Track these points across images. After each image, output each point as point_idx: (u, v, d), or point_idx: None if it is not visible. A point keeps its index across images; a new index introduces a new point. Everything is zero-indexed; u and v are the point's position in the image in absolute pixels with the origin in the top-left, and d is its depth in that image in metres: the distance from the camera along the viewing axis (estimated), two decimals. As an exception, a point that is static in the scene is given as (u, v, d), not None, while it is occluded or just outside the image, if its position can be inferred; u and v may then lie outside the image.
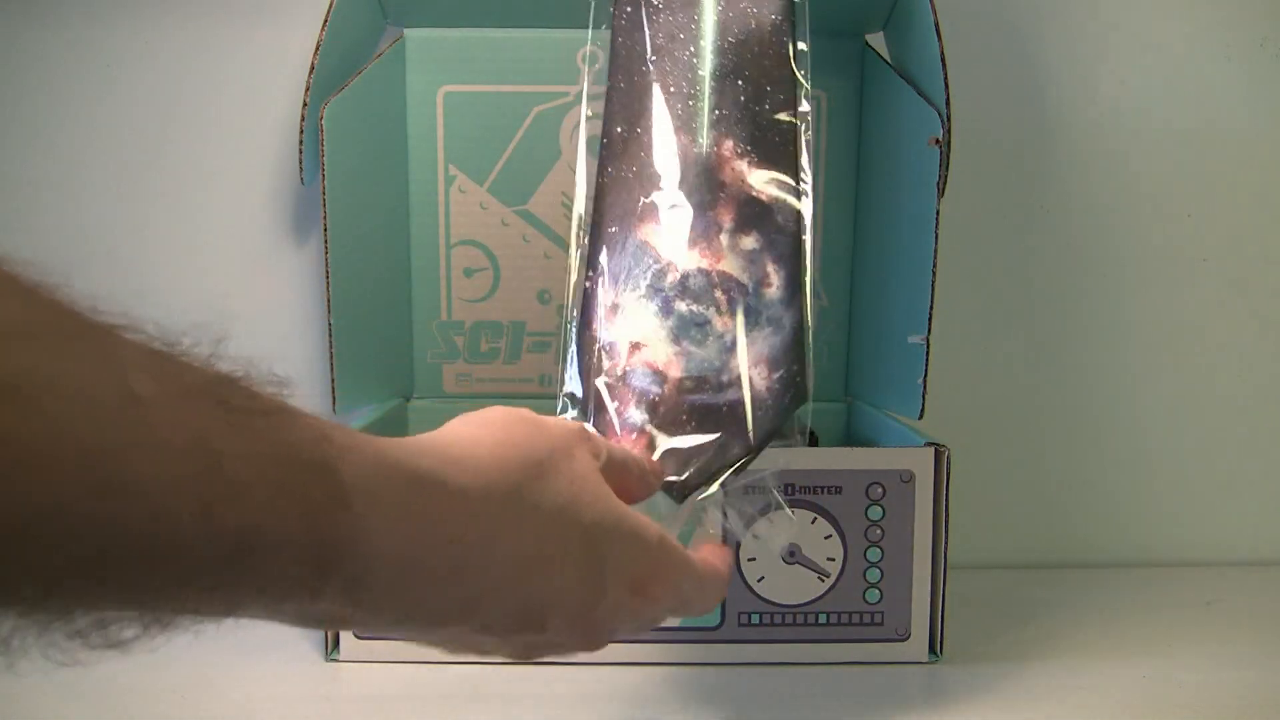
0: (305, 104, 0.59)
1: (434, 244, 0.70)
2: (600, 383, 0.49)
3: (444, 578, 0.31)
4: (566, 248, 0.70)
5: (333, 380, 0.60)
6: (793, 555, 0.54)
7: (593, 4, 0.55)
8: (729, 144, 0.50)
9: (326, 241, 0.59)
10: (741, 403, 0.47)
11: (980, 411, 0.74)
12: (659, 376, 0.48)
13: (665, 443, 0.46)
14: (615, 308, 0.50)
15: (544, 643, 0.35)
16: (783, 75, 0.51)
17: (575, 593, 0.34)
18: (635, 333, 0.49)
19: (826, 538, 0.54)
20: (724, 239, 0.49)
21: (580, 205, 0.52)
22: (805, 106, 0.50)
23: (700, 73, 0.51)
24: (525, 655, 0.37)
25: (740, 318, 0.48)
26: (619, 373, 0.48)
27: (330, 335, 0.60)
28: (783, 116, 0.50)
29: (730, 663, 0.55)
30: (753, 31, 0.51)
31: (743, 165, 0.50)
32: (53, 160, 0.72)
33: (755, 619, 0.54)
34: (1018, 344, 0.74)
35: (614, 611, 0.36)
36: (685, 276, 0.49)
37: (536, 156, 0.69)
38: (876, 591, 0.54)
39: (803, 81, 0.51)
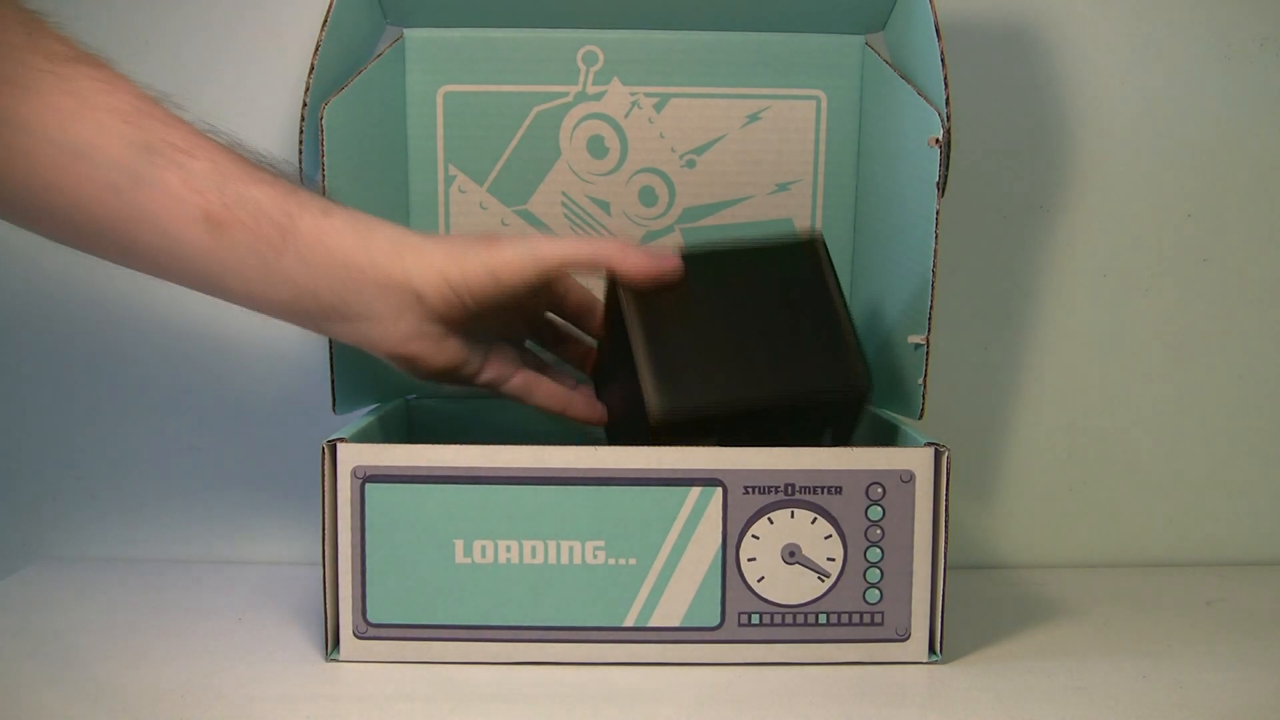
0: (305, 104, 0.59)
1: (434, 244, 0.70)
2: None
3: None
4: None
5: (333, 380, 0.60)
6: (793, 555, 0.54)
7: None
8: None
9: (326, 241, 0.59)
10: None
11: (980, 411, 0.74)
12: None
13: None
14: None
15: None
16: None
17: None
18: None
19: (826, 538, 0.54)
20: None
21: None
22: None
23: None
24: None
25: None
26: None
27: (330, 335, 0.60)
28: None
29: (730, 663, 0.55)
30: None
31: None
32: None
33: (755, 619, 0.54)
34: (1018, 344, 0.74)
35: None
36: None
37: (536, 156, 0.69)
38: (876, 591, 0.55)
39: None
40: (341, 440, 0.54)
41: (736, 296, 0.56)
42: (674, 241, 0.70)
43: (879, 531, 0.54)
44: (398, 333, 0.52)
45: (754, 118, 0.69)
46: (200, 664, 0.55)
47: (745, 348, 0.55)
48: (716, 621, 0.54)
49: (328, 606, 0.54)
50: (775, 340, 0.55)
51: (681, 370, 0.54)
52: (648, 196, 0.69)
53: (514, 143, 0.69)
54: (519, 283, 0.53)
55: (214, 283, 0.50)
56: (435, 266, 0.52)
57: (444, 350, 0.54)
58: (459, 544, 0.54)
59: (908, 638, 0.55)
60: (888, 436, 0.62)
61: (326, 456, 0.54)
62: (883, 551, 0.54)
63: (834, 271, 0.57)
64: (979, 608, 0.64)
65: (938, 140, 0.56)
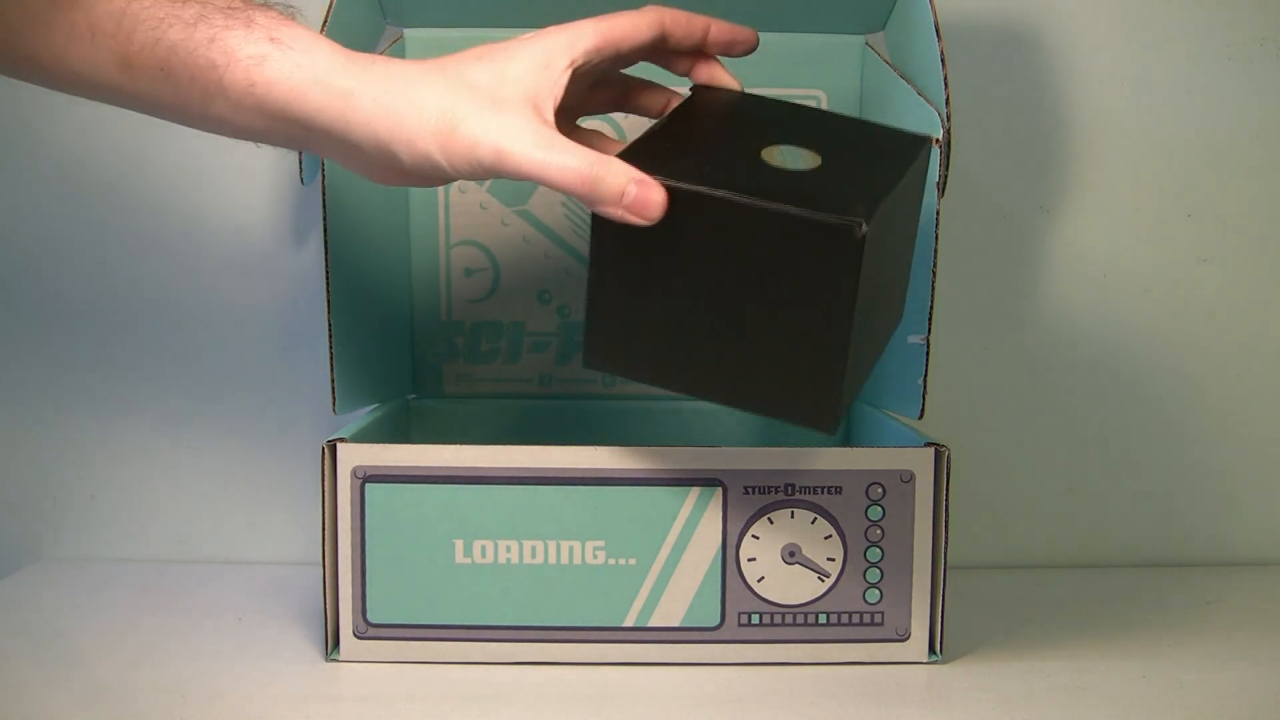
0: (305, 104, 0.58)
1: (434, 244, 0.70)
2: None
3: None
4: (566, 248, 0.70)
5: (333, 380, 0.60)
6: (793, 555, 0.54)
7: None
8: None
9: (326, 241, 0.59)
10: None
11: (980, 411, 0.74)
12: None
13: None
14: None
15: None
16: None
17: None
18: None
19: (826, 538, 0.54)
20: None
21: None
22: None
23: None
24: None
25: None
26: None
27: (330, 335, 0.60)
28: None
29: (730, 663, 0.55)
30: None
31: None
32: (52, 158, 0.72)
33: (755, 619, 0.54)
34: (1018, 344, 0.74)
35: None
36: None
37: (536, 156, 0.69)
38: (876, 591, 0.55)
39: None
40: (341, 440, 0.54)
41: (730, 255, 0.45)
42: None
43: (879, 531, 0.54)
44: (377, 174, 0.48)
45: (754, 118, 0.68)
46: (200, 664, 0.55)
47: (706, 336, 0.47)
48: (716, 621, 0.54)
49: (328, 606, 0.54)
50: (747, 341, 0.46)
51: (628, 331, 0.48)
52: (648, 196, 0.69)
53: (514, 143, 0.69)
54: (483, 176, 0.46)
55: (154, 113, 0.47)
56: (378, 140, 0.45)
57: (443, 179, 0.47)
58: (459, 544, 0.54)
59: (908, 638, 0.55)
60: (888, 436, 0.62)
61: (326, 456, 0.54)
62: (882, 551, 0.54)
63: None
64: (979, 608, 0.64)
65: (938, 140, 0.56)
